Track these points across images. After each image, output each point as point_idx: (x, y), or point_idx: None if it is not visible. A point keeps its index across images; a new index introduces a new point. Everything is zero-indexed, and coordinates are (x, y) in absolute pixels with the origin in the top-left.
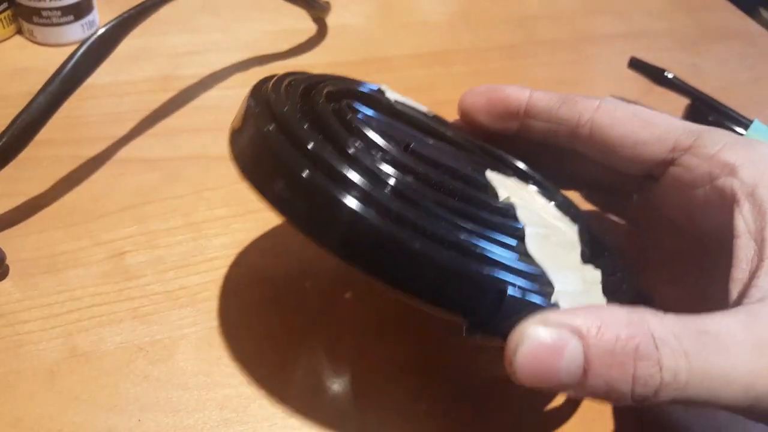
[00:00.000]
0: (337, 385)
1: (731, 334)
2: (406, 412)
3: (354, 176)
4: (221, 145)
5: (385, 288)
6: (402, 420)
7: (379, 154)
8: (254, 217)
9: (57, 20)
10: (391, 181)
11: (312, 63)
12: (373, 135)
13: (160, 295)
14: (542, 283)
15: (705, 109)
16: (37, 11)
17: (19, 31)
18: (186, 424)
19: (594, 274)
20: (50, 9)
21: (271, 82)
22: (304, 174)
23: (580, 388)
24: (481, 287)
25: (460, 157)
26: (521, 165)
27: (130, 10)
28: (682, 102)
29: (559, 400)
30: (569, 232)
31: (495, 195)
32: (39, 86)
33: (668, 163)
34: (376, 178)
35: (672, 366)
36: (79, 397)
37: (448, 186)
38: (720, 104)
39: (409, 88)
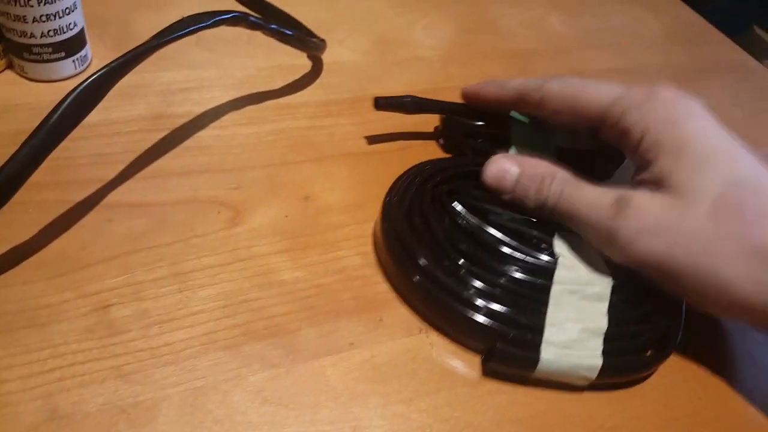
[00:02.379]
0: None
1: (594, 186)
2: None
3: (423, 260)
4: (212, 188)
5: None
6: None
7: (442, 240)
8: (242, 266)
9: (48, 56)
10: (445, 262)
11: (307, 101)
12: (459, 211)
13: (144, 352)
14: (534, 332)
15: (457, 118)
16: (28, 47)
17: (10, 66)
18: None
19: (600, 326)
20: (41, 45)
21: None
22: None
23: (513, 191)
24: (483, 336)
25: (538, 219)
26: None
27: (120, 57)
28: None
29: None
30: (603, 286)
31: (551, 254)
32: (30, 124)
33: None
34: (439, 258)
35: (555, 191)
36: None
37: (500, 253)
38: (470, 107)
39: (403, 125)
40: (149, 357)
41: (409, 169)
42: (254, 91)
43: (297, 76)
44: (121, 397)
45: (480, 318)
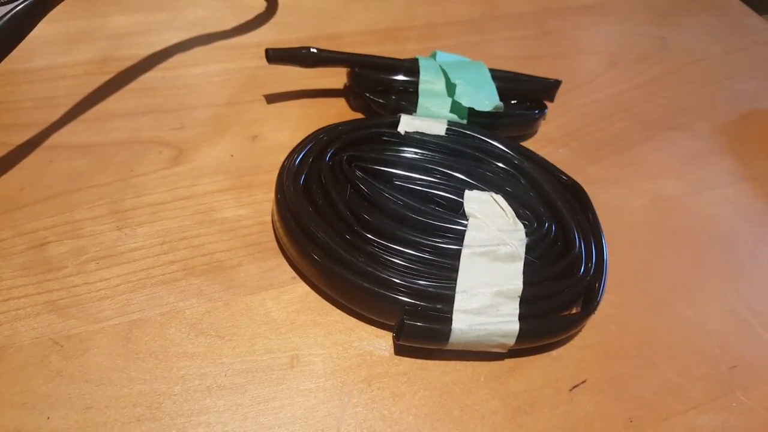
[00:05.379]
0: (252, 380)
1: None
2: None
3: (323, 237)
4: (154, 129)
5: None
6: None
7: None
8: (183, 204)
9: None
10: (349, 236)
11: (260, 41)
12: (360, 183)
13: (80, 287)
14: (445, 302)
15: (362, 72)
16: None
17: None
18: (97, 422)
19: (515, 288)
20: None
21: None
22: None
23: None
24: (391, 310)
25: (446, 179)
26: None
27: None
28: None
29: None
30: (517, 245)
31: (462, 215)
32: None
33: None
34: (341, 233)
35: None
36: None
37: (407, 220)
38: (378, 58)
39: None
40: (85, 292)
41: (304, 140)
42: (205, 32)
43: (250, 16)
44: (55, 330)
45: (387, 293)
